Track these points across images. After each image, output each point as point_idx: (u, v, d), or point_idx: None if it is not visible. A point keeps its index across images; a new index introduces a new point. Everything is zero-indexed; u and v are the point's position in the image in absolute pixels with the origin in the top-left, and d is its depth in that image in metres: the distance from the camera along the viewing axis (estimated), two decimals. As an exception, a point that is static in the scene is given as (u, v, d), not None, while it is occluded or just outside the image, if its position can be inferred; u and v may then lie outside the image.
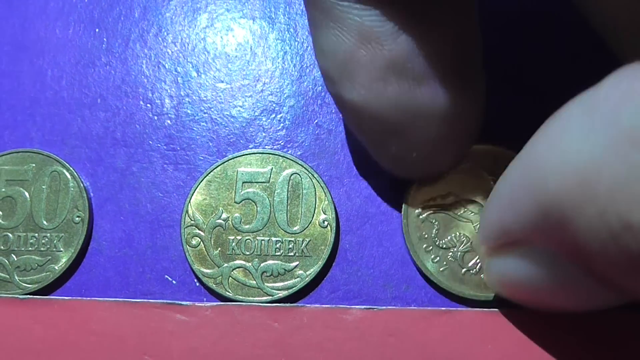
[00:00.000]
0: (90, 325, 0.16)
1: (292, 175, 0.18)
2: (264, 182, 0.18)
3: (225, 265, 0.17)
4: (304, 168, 0.18)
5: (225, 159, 0.18)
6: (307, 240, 0.17)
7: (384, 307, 0.16)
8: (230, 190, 0.18)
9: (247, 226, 0.18)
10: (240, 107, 0.19)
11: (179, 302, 0.16)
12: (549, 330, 0.16)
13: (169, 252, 0.18)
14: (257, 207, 0.18)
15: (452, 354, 0.16)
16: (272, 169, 0.18)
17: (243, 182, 0.18)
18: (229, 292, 0.17)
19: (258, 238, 0.17)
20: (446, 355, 0.16)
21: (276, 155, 0.18)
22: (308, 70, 0.19)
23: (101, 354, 0.16)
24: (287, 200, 0.18)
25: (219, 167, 0.18)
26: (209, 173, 0.18)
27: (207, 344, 0.16)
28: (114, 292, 0.18)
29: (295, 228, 0.17)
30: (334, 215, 0.17)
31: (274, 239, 0.17)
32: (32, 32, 0.20)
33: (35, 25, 0.20)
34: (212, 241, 0.17)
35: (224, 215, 0.18)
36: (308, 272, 0.17)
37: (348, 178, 0.18)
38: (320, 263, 0.17)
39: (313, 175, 0.18)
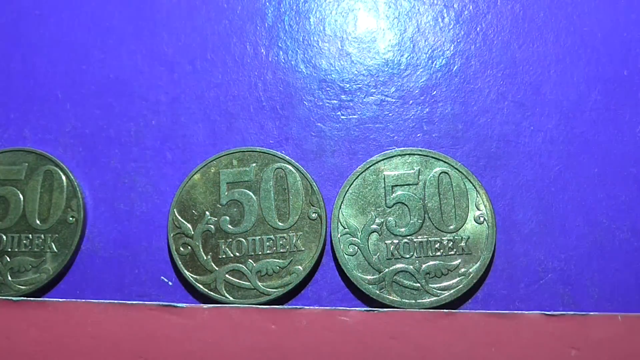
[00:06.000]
0: (85, 327, 0.16)
1: (276, 170, 0.17)
2: (248, 181, 0.17)
3: (218, 269, 0.17)
4: (288, 162, 0.17)
5: (206, 161, 0.18)
6: (299, 234, 0.17)
7: (385, 309, 0.16)
8: (214, 194, 0.17)
9: (236, 228, 0.17)
10: (238, 103, 0.19)
11: (175, 304, 0.16)
12: (552, 333, 0.15)
13: (164, 253, 0.17)
14: (244, 207, 0.17)
15: (455, 357, 0.15)
16: (254, 167, 0.18)
17: (227, 183, 0.17)
18: (224, 295, 0.17)
19: (249, 238, 0.17)
20: (449, 359, 0.15)
21: (256, 152, 0.18)
22: (307, 66, 0.19)
23: (96, 356, 0.16)
24: (274, 196, 0.17)
25: (200, 171, 0.18)
26: (191, 178, 0.18)
27: (204, 347, 0.16)
28: (109, 293, 0.17)
29: (285, 224, 0.17)
30: (323, 207, 0.17)
31: (265, 237, 0.17)
32: (25, 28, 0.20)
33: (28, 21, 0.20)
34: (202, 247, 0.17)
35: (212, 219, 0.17)
36: (303, 267, 0.17)
37: (347, 177, 0.18)
38: (314, 256, 0.17)
39: (298, 169, 0.17)
